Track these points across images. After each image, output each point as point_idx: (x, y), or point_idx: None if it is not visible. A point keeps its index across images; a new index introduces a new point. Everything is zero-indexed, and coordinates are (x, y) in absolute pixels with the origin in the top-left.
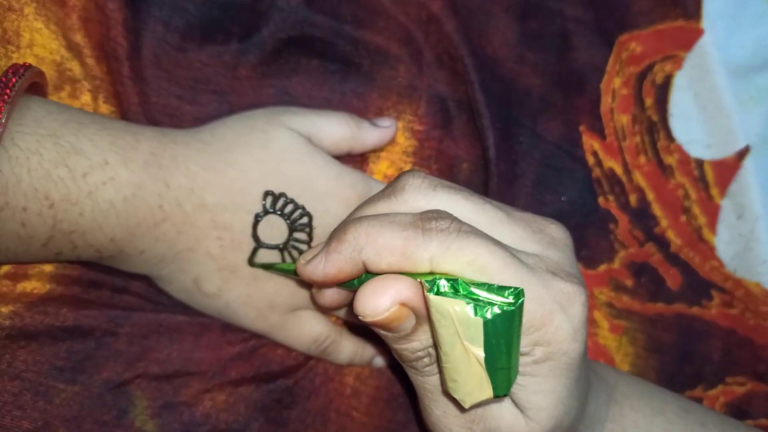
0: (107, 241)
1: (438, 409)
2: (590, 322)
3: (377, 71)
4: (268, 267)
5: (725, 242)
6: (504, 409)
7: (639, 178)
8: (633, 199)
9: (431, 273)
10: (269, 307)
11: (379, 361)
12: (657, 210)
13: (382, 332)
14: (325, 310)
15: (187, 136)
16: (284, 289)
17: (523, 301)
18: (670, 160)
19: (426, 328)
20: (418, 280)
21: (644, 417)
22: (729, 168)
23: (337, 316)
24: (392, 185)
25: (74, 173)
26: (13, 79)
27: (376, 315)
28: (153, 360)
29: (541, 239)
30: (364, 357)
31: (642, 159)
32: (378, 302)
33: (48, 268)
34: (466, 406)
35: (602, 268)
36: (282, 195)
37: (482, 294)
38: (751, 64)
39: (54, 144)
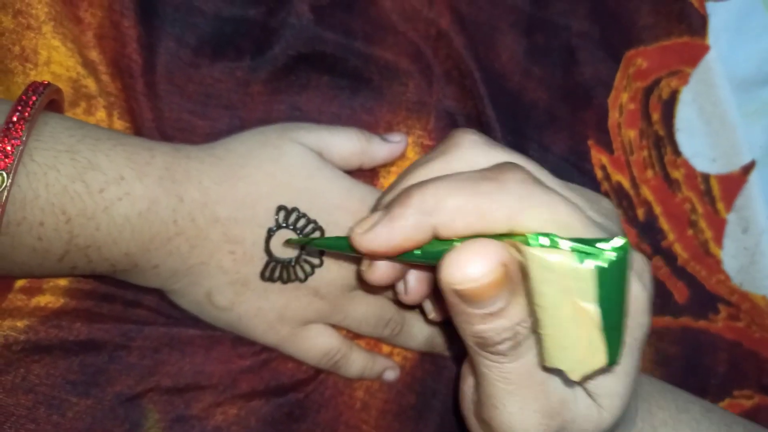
0: (122, 255)
1: (515, 405)
2: None
3: (387, 87)
4: (306, 242)
5: (731, 256)
6: (578, 398)
7: (646, 192)
8: (641, 212)
9: (511, 234)
10: (280, 320)
11: (389, 375)
12: (664, 224)
13: (469, 310)
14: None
15: (201, 152)
16: (295, 302)
17: (628, 251)
18: (677, 174)
19: (518, 300)
20: (508, 241)
21: (671, 415)
22: (735, 182)
23: (347, 329)
24: (444, 144)
25: (91, 188)
26: (33, 98)
27: (475, 281)
28: (165, 373)
29: (599, 210)
30: (374, 371)
31: (649, 173)
32: (478, 265)
33: (62, 282)
34: (576, 378)
35: None
36: (295, 210)
37: (588, 250)
38: (755, 78)
39: (71, 159)
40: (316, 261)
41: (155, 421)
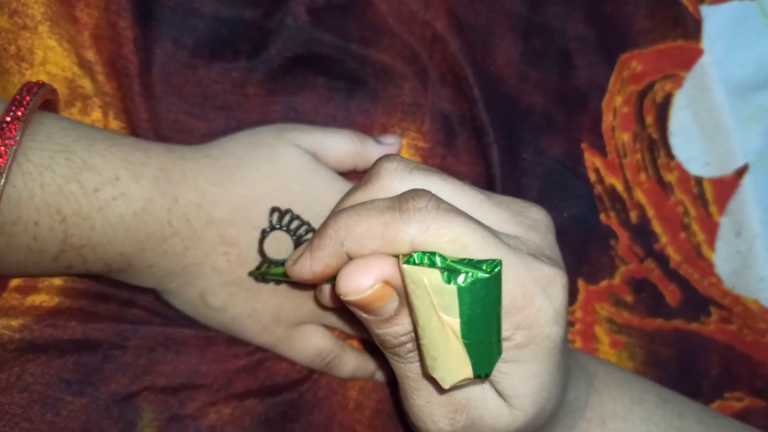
0: (117, 255)
1: (421, 399)
2: (592, 338)
3: (382, 89)
4: (263, 274)
5: (724, 259)
6: (487, 398)
7: (639, 195)
8: (633, 215)
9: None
10: (274, 320)
11: (380, 376)
12: (657, 227)
13: (364, 316)
14: (328, 309)
15: (196, 152)
16: (289, 303)
17: (500, 271)
18: (670, 177)
19: (408, 311)
20: (398, 257)
21: (623, 406)
22: (728, 186)
23: (340, 330)
24: (369, 172)
25: (86, 188)
26: (27, 97)
27: (358, 293)
28: (159, 373)
29: (522, 221)
30: (367, 371)
31: (642, 176)
32: (360, 280)
33: (57, 281)
34: (446, 387)
35: (603, 283)
36: (288, 211)
37: (460, 267)
38: (750, 83)
39: (66, 160)
40: None
41: (150, 420)
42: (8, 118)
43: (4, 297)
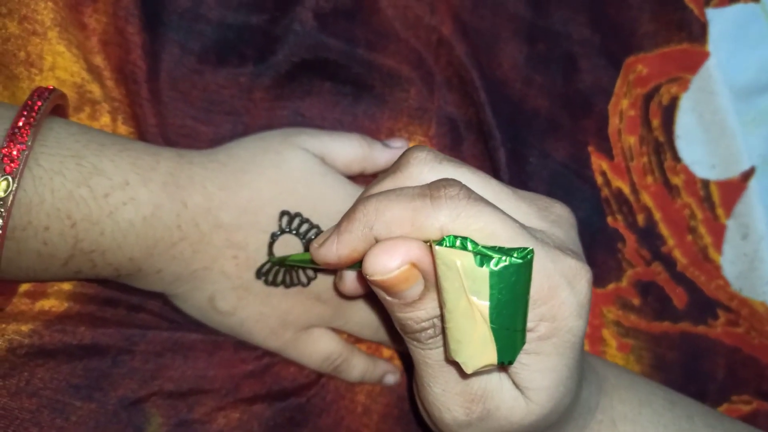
0: (126, 260)
1: (438, 386)
2: (599, 341)
3: (389, 93)
4: (282, 260)
5: (730, 262)
6: (504, 389)
7: (646, 198)
8: (640, 218)
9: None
10: (282, 324)
11: (390, 379)
12: (664, 229)
13: (388, 298)
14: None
15: (204, 157)
16: (297, 306)
17: (532, 258)
18: (677, 180)
19: (433, 296)
20: (428, 243)
21: (632, 408)
22: (734, 188)
23: (348, 333)
24: (398, 161)
25: (96, 193)
26: (39, 103)
27: (384, 274)
28: (168, 378)
29: (547, 217)
30: (375, 374)
31: (649, 179)
32: (388, 261)
33: (66, 286)
34: (469, 371)
35: (611, 286)
36: (298, 215)
37: (491, 253)
38: (754, 85)
39: (76, 165)
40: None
41: (158, 425)
42: (21, 123)
43: (14, 302)
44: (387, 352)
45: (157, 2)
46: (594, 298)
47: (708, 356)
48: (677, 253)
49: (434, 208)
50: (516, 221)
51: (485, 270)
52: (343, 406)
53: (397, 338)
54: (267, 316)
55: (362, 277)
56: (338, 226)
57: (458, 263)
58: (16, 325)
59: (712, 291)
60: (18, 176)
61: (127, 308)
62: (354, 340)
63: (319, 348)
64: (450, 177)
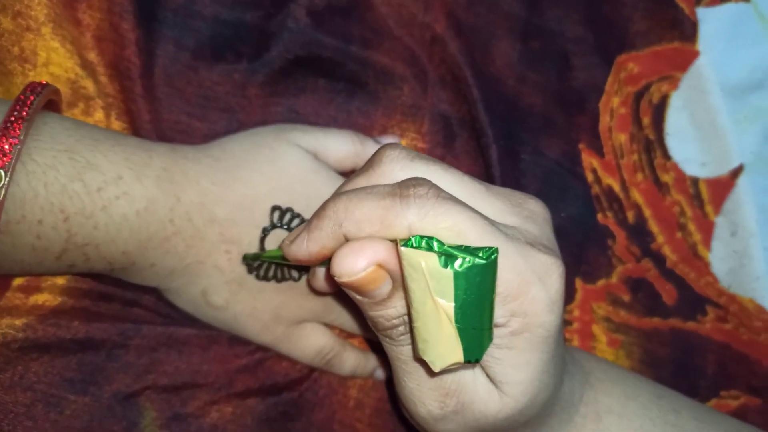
0: (119, 254)
1: (412, 382)
2: (589, 337)
3: (382, 90)
4: (257, 257)
5: (720, 258)
6: (478, 383)
7: (636, 195)
8: (630, 215)
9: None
10: (275, 319)
11: (380, 374)
12: (653, 226)
13: (358, 297)
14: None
15: (198, 153)
16: (289, 301)
17: (496, 258)
18: (667, 178)
19: (402, 294)
20: (395, 242)
21: (618, 401)
22: (723, 186)
23: (340, 328)
24: (371, 159)
25: (89, 188)
26: (31, 97)
27: (352, 275)
28: (162, 372)
29: (520, 212)
30: (367, 369)
31: (639, 176)
32: (354, 262)
33: (60, 281)
34: (436, 370)
35: (601, 283)
36: (289, 210)
37: (456, 252)
38: (746, 83)
39: (70, 159)
40: None
41: (152, 419)
42: (13, 117)
43: (7, 296)
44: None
45: None
46: (584, 294)
47: (698, 352)
48: (667, 250)
49: (403, 206)
50: (485, 218)
51: (449, 271)
52: (336, 400)
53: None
54: (259, 311)
55: (327, 278)
56: (309, 223)
57: (423, 264)
58: (9, 320)
59: (701, 287)
60: (10, 171)
61: (121, 303)
62: (346, 334)
63: (311, 342)
64: (421, 175)
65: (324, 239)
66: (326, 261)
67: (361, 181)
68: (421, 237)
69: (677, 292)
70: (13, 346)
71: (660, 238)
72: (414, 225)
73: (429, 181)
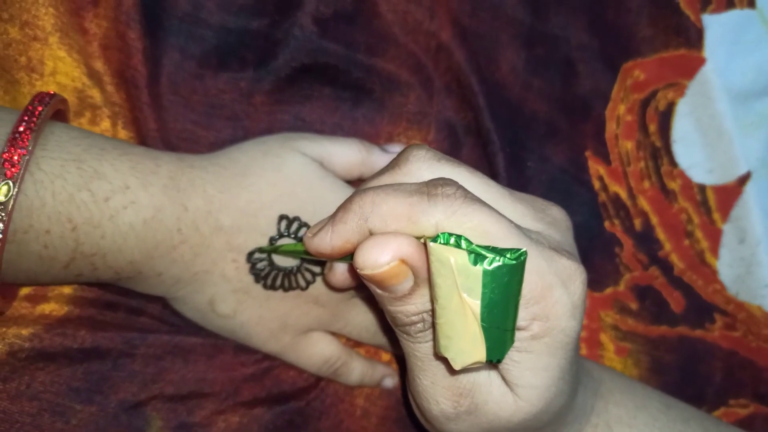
0: (127, 263)
1: (426, 379)
2: (597, 345)
3: (388, 98)
4: (274, 249)
5: (727, 266)
6: (493, 385)
7: (643, 203)
8: (637, 223)
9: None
10: (281, 327)
11: (389, 382)
12: (661, 234)
13: (379, 291)
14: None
15: (204, 161)
16: (296, 310)
17: (525, 259)
18: (673, 185)
19: (423, 291)
20: (422, 239)
21: (627, 412)
22: (730, 193)
23: (347, 337)
24: (397, 158)
25: (96, 197)
26: (39, 108)
27: (375, 268)
28: (168, 381)
29: (543, 218)
30: (374, 378)
31: (646, 184)
32: (378, 256)
33: (66, 290)
34: (457, 368)
35: (608, 290)
36: (296, 219)
37: (484, 252)
38: (751, 90)
39: (77, 168)
40: (317, 269)
41: (158, 428)
42: (22, 128)
43: (14, 306)
44: (386, 356)
45: (158, 7)
46: (592, 302)
47: (705, 360)
48: (674, 258)
49: (431, 204)
50: (510, 221)
51: (479, 269)
52: (343, 409)
53: (394, 340)
54: (266, 320)
55: (353, 270)
56: (333, 216)
57: (452, 260)
58: (16, 329)
59: (709, 295)
60: (19, 181)
61: (127, 312)
62: (353, 343)
63: (317, 351)
64: (447, 176)
65: (348, 233)
66: (346, 257)
67: (386, 179)
68: (450, 234)
69: (685, 299)
70: (20, 356)
71: (667, 246)
72: (441, 223)
73: (456, 182)
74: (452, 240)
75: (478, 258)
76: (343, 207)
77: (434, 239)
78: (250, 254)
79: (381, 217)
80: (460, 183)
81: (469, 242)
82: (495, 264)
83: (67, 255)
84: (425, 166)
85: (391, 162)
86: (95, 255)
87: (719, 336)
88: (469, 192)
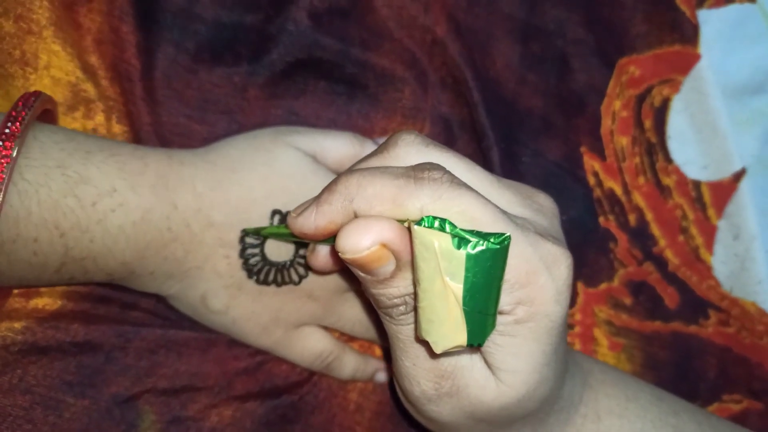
0: (118, 264)
1: (408, 360)
2: (591, 340)
3: (383, 93)
4: (257, 230)
5: (722, 262)
6: (475, 368)
7: (638, 199)
8: (632, 218)
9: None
10: (274, 322)
11: (381, 377)
12: (655, 230)
13: (361, 274)
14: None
15: (195, 157)
16: (288, 304)
17: (508, 244)
18: (668, 181)
19: (405, 275)
20: (406, 222)
21: (618, 403)
22: (725, 189)
23: (340, 331)
24: (385, 142)
25: (83, 202)
26: (23, 112)
27: (356, 252)
28: (161, 375)
29: (530, 205)
30: (366, 372)
31: (641, 180)
32: (359, 240)
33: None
34: (438, 351)
35: (602, 286)
36: (289, 213)
37: (468, 236)
38: (746, 86)
39: (62, 175)
40: None
41: (151, 422)
42: (3, 136)
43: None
44: (379, 351)
45: (152, 1)
46: (586, 297)
47: (699, 356)
48: (669, 254)
49: (417, 188)
50: (496, 207)
51: (462, 252)
52: (336, 403)
53: (382, 331)
54: (258, 315)
55: (335, 253)
56: (318, 196)
57: (436, 244)
58: (9, 323)
59: (703, 291)
60: (3, 191)
61: (120, 306)
62: (346, 338)
63: (310, 346)
64: (435, 161)
65: (333, 214)
66: (330, 239)
67: (373, 162)
68: (434, 218)
69: (679, 295)
70: (12, 349)
71: (662, 242)
72: (426, 207)
73: (444, 168)
74: (436, 224)
75: (461, 242)
76: (329, 188)
77: (419, 223)
78: (242, 238)
79: (366, 199)
80: (448, 168)
81: (453, 226)
82: (478, 248)
83: (57, 260)
84: (413, 150)
85: (380, 146)
86: (86, 259)
87: (713, 332)
88: (455, 177)
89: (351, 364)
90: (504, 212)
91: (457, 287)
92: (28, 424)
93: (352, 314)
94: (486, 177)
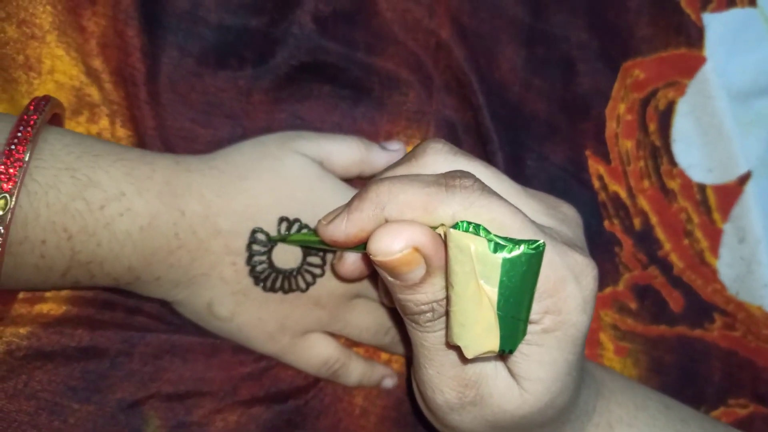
0: (124, 269)
1: (433, 368)
2: (596, 344)
3: (388, 97)
4: (283, 238)
5: (727, 265)
6: (499, 377)
7: (643, 202)
8: (637, 222)
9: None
10: (280, 329)
11: (388, 383)
12: (660, 233)
13: (390, 279)
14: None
15: (201, 164)
16: (295, 311)
17: (543, 250)
18: (673, 184)
19: (434, 281)
20: (438, 228)
21: (628, 412)
22: (731, 192)
23: (346, 338)
24: (413, 150)
25: (91, 206)
26: (34, 117)
27: (387, 255)
28: (166, 380)
29: (555, 215)
30: (373, 379)
31: (646, 183)
32: (392, 242)
33: (64, 290)
34: (469, 356)
35: (608, 290)
36: (297, 221)
37: (503, 241)
38: (751, 89)
39: (71, 177)
40: (318, 271)
41: (156, 427)
42: (16, 140)
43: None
44: (384, 356)
45: (156, 5)
46: None
47: (705, 360)
48: (674, 257)
49: (448, 195)
50: (525, 216)
51: (499, 256)
52: (341, 408)
53: (398, 340)
54: (265, 322)
55: (365, 259)
56: (349, 204)
57: (472, 247)
58: (14, 328)
59: (708, 295)
60: (16, 194)
61: (125, 311)
62: (351, 344)
63: (316, 353)
64: (463, 169)
65: (364, 221)
66: (358, 246)
67: (402, 170)
68: (469, 223)
69: (684, 299)
70: (17, 355)
71: (667, 246)
72: (457, 214)
73: (473, 176)
74: (471, 228)
75: (497, 246)
76: (360, 196)
77: (453, 227)
78: (249, 245)
79: (397, 206)
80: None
81: (488, 231)
82: (515, 252)
83: (63, 264)
84: (441, 158)
85: (407, 154)
86: (92, 263)
87: (719, 336)
88: (486, 185)
89: (357, 370)
90: (532, 221)
91: (492, 291)
92: (33, 430)
93: (359, 321)
94: (512, 186)
